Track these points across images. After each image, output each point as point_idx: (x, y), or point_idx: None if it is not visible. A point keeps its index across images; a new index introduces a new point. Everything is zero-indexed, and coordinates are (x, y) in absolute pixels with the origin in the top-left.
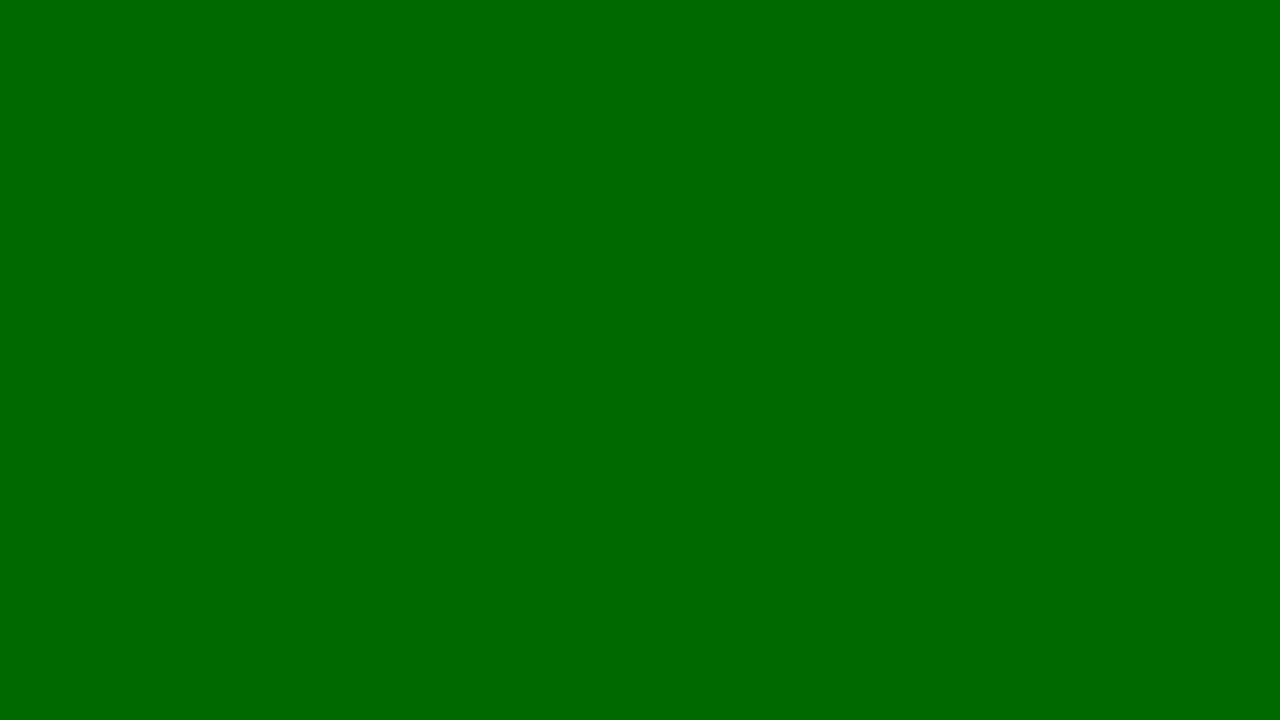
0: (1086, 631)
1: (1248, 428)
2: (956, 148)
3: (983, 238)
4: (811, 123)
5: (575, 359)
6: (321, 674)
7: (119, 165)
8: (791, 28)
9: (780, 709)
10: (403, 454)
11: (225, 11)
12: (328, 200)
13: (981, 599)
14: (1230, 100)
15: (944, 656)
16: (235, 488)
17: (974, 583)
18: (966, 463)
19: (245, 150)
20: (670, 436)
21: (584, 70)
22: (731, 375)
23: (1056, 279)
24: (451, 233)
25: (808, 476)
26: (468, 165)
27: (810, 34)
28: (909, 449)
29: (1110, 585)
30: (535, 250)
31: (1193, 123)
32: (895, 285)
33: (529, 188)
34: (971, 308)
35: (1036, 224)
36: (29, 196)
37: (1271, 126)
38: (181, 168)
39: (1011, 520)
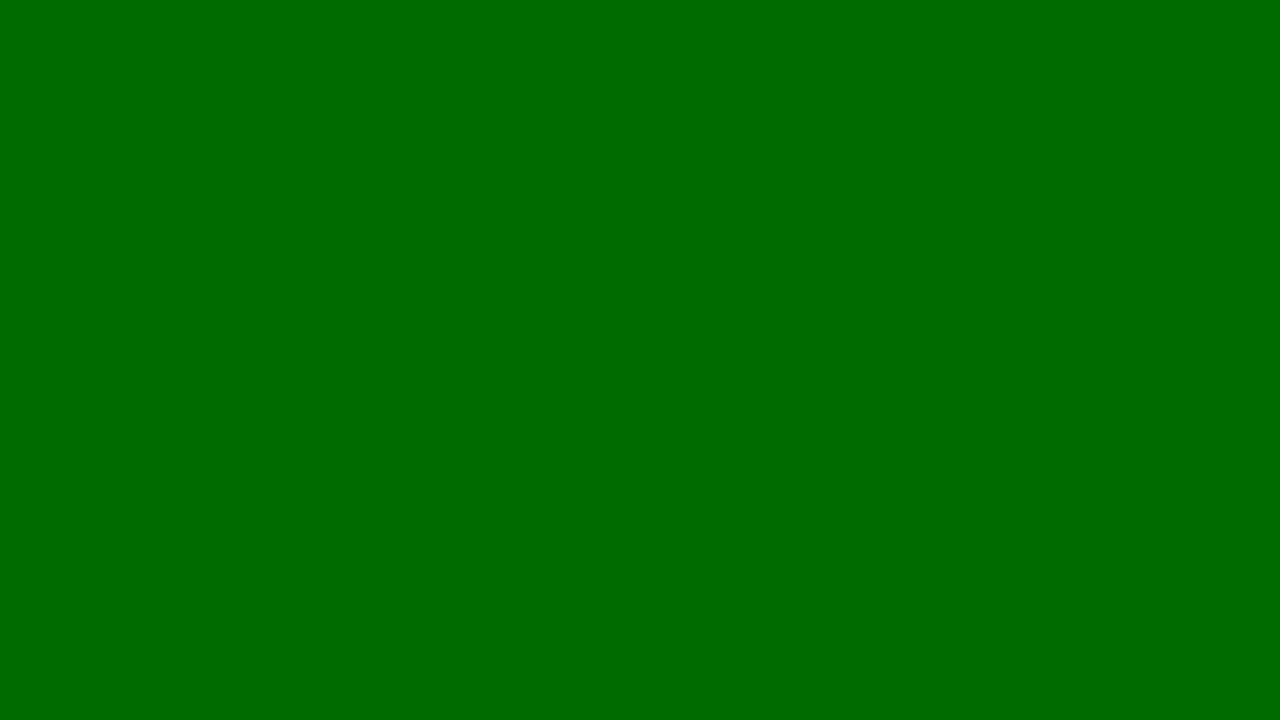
0: (1086, 631)
1: (1248, 427)
2: (957, 148)
3: (983, 238)
4: (811, 123)
5: (575, 359)
6: (322, 674)
7: (119, 165)
8: (792, 28)
9: (780, 709)
10: (403, 453)
11: (225, 11)
12: (328, 200)
13: (981, 599)
14: (1230, 100)
15: (944, 656)
16: (235, 487)
17: (974, 582)
18: (966, 462)
19: (245, 150)
20: (670, 436)
21: (584, 70)
22: (731, 375)
23: (1057, 279)
24: (452, 233)
25: (808, 476)
26: (468, 165)
27: (810, 34)
28: (909, 449)
29: (1110, 585)
30: (535, 250)
31: (1193, 123)
32: (895, 285)
33: (529, 188)
34: (971, 308)
35: (1036, 224)
36: (29, 196)
37: (1272, 126)
38: (182, 168)
39: (1011, 520)
